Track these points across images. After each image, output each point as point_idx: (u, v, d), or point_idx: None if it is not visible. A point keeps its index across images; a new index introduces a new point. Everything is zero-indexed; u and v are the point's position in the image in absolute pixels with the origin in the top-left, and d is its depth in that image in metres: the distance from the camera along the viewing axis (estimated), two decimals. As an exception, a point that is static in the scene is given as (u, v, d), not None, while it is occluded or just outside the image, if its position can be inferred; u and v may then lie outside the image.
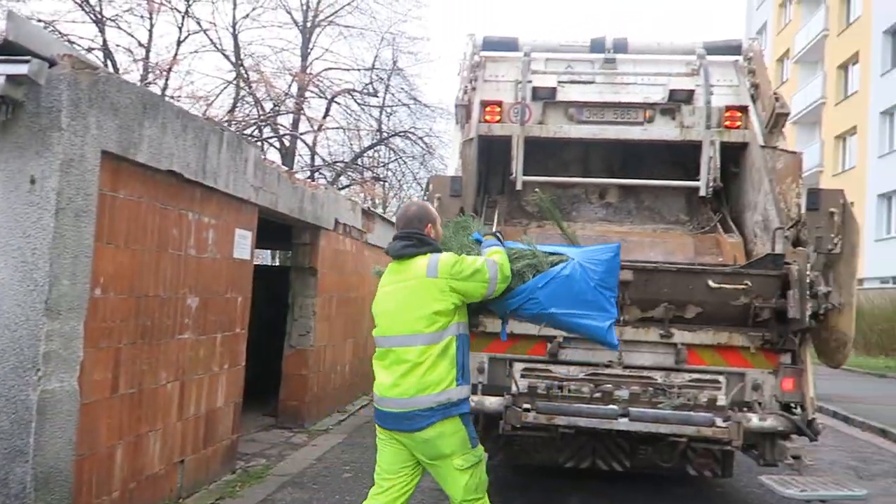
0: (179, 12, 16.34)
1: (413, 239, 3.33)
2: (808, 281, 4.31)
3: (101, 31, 14.87)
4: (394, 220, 16.18)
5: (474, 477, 3.22)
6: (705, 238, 5.60)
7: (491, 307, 3.51)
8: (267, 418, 8.15)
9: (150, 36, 16.06)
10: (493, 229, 4.35)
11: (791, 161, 5.04)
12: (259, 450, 6.80)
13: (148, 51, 16.05)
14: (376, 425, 3.37)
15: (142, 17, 15.64)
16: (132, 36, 15.77)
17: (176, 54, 16.33)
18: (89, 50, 14.17)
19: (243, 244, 5.84)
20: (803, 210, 4.60)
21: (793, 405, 4.56)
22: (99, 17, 14.77)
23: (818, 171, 27.52)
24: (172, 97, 15.48)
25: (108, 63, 14.72)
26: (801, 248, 4.55)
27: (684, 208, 6.05)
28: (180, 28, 16.51)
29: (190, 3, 16.33)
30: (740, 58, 6.16)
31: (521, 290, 3.37)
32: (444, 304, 3.18)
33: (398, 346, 3.20)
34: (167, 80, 15.92)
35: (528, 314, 3.48)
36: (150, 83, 15.26)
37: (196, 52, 17.56)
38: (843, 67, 26.87)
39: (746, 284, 4.47)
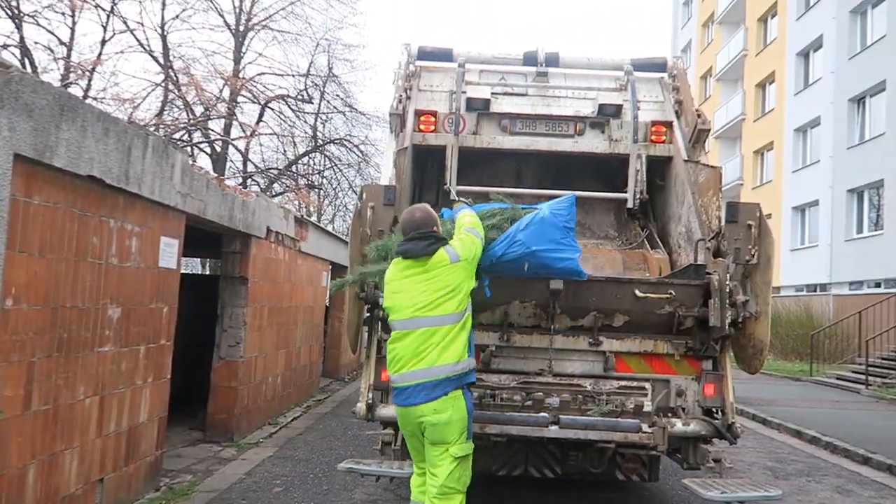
0: (104, 11, 15.76)
1: (431, 238, 3.77)
2: (727, 290, 4.49)
3: (18, 28, 14.16)
4: (329, 228, 16.00)
5: (461, 468, 3.62)
6: (633, 254, 5.78)
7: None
8: (194, 432, 7.88)
9: (73, 34, 15.41)
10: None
11: (712, 175, 5.26)
12: (185, 465, 6.57)
13: (69, 50, 15.39)
14: (398, 416, 3.74)
15: (63, 14, 14.99)
16: (52, 34, 15.08)
17: (100, 54, 15.74)
18: (4, 47, 13.47)
19: (169, 252, 5.64)
20: (723, 222, 4.79)
21: (714, 410, 4.73)
22: (16, 12, 14.06)
23: (739, 184, 28.83)
24: (96, 99, 14.88)
25: (26, 61, 14.02)
26: (721, 258, 4.74)
27: (613, 224, 6.23)
28: (105, 27, 15.91)
29: (115, 1, 15.76)
30: (665, 75, 6.40)
31: (504, 237, 4.08)
32: (470, 281, 3.76)
33: (428, 326, 3.61)
34: (90, 80, 15.30)
35: (513, 256, 4.08)
36: (71, 83, 14.61)
37: (122, 52, 17.00)
38: (761, 86, 28.31)
39: (670, 294, 4.63)
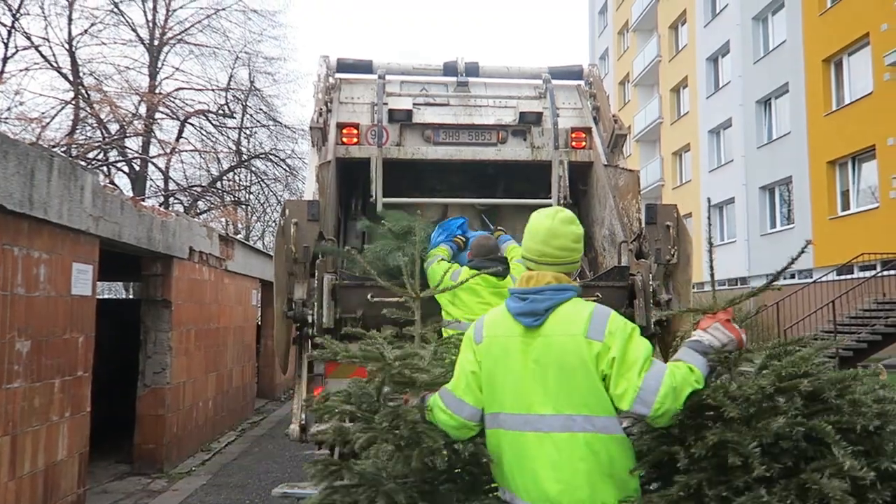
0: (5, 26, 14.95)
1: (506, 263, 4.43)
2: (650, 290, 4.62)
3: None
4: (258, 245, 15.73)
5: None
6: None
7: None
8: (121, 465, 7.51)
9: (-30, 52, 14.55)
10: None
11: (630, 178, 5.41)
12: (112, 501, 6.25)
13: (-32, 68, 14.52)
14: None
15: (-41, 31, 14.13)
16: (-52, 51, 14.20)
17: (1, 72, 14.88)
18: None
19: (83, 279, 5.37)
20: (643, 224, 4.92)
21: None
22: None
23: (660, 185, 29.89)
24: (-1, 119, 14.08)
25: (-81, 81, 13.14)
26: (643, 259, 4.87)
27: None
28: (6, 43, 15.10)
29: (17, 17, 14.98)
30: (582, 82, 6.55)
31: None
32: None
33: None
34: (-8, 100, 14.46)
35: None
36: (-30, 104, 13.78)
37: (27, 69, 16.10)
38: (676, 90, 29.47)
39: (597, 296, 4.71)
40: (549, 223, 2.21)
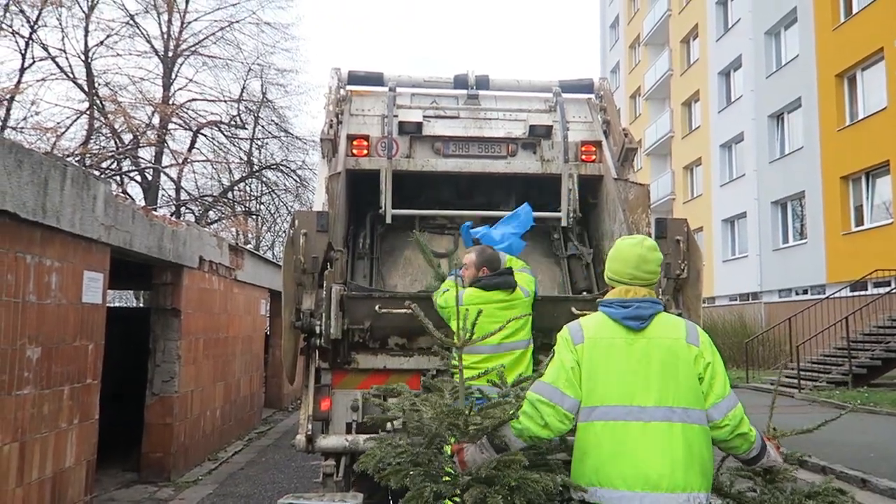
0: (22, 37, 15.17)
1: (513, 274, 4.35)
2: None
3: (-71, 56, 13.46)
4: (268, 255, 15.79)
5: None
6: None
7: None
8: (128, 473, 7.52)
9: (-12, 62, 14.76)
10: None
11: (640, 192, 5.38)
12: (117, 510, 6.26)
13: (-15, 78, 14.74)
14: None
15: (-22, 41, 14.36)
16: (-34, 62, 14.41)
17: (19, 82, 15.11)
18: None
19: (94, 287, 5.40)
20: (653, 238, 4.89)
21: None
22: (-74, 40, 13.40)
23: (671, 198, 29.79)
24: (15, 128, 14.28)
25: (-63, 91, 13.35)
26: (653, 273, 4.83)
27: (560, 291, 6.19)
28: (23, 54, 15.32)
29: (35, 28, 15.21)
30: (592, 96, 6.54)
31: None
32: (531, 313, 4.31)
33: (510, 350, 4.09)
34: (9, 109, 14.67)
35: None
36: (-12, 113, 13.98)
37: (43, 80, 16.34)
38: (687, 104, 29.42)
39: (606, 310, 4.68)
40: (640, 251, 2.58)
